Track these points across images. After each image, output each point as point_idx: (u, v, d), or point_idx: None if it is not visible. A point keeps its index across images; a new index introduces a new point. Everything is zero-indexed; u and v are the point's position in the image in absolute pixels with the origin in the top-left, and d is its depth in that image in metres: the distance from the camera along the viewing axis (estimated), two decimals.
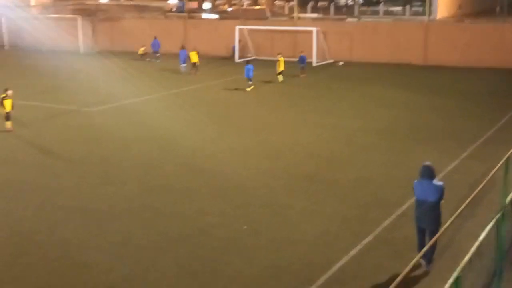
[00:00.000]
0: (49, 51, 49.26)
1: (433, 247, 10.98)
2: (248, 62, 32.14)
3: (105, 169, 18.03)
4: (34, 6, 65.89)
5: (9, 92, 22.10)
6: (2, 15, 54.85)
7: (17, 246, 12.62)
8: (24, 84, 33.56)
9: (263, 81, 34.13)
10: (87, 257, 12.03)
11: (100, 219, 14.06)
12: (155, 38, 45.11)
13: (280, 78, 34.05)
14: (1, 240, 12.91)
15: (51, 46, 49.84)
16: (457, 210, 8.71)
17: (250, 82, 31.33)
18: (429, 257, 11.18)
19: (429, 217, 11.17)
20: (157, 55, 44.48)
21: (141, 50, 45.40)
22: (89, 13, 54.71)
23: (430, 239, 10.94)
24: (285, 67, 34.14)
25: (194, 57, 37.56)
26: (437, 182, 11.25)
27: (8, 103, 21.88)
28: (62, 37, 50.52)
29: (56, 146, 20.71)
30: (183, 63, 38.95)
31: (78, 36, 50.48)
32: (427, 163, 11.54)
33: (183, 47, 41.16)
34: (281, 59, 34.06)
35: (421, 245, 11.24)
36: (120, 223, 13.79)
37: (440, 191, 11.14)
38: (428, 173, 11.26)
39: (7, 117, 22.27)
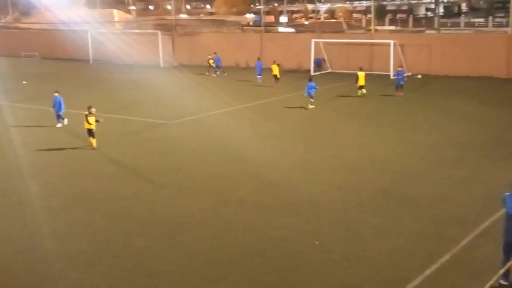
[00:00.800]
0: (131, 65, 50.90)
1: None
2: (310, 79, 30.92)
3: (180, 181, 18.36)
4: (117, 22, 68.42)
5: (93, 110, 22.60)
6: (88, 30, 57.23)
7: (94, 254, 13.01)
8: (105, 98, 34.86)
9: (338, 95, 33.90)
10: (160, 268, 12.25)
11: (173, 230, 14.31)
12: (215, 54, 46.09)
13: (360, 92, 33.38)
14: (80, 248, 13.35)
15: (133, 61, 51.46)
16: None
17: (312, 100, 30.13)
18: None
19: None
20: (221, 69, 45.37)
21: (211, 61, 46.11)
22: (169, 28, 56.20)
23: None
24: (365, 80, 33.61)
25: (275, 70, 37.88)
26: None
27: (92, 120, 22.37)
28: (143, 52, 52.19)
29: (134, 159, 21.28)
30: (259, 75, 39.81)
31: (159, 51, 51.86)
32: None
33: (259, 59, 41.89)
34: (362, 74, 33.39)
35: (506, 261, 10.83)
36: (193, 235, 13.97)
37: None
38: None
39: (92, 133, 22.61)
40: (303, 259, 12.56)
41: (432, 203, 15.85)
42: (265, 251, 12.96)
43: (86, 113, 22.48)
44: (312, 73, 44.06)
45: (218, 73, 45.25)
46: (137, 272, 12.10)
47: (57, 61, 57.43)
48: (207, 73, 45.07)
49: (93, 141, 22.54)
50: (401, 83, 33.64)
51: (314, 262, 12.44)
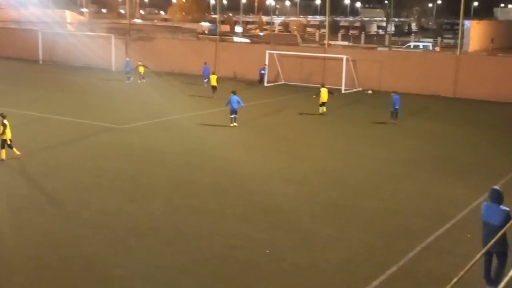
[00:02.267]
0: (81, 68, 50.15)
1: (501, 270, 11.10)
2: (233, 92, 27.78)
3: (131, 187, 18.18)
4: (70, 23, 67.29)
5: (5, 121, 20.46)
6: (38, 30, 56.10)
7: (41, 259, 12.74)
8: (57, 99, 34.20)
9: (290, 107, 34.25)
10: (110, 273, 12.10)
11: (124, 236, 14.16)
12: (205, 63, 43.81)
13: (321, 109, 31.67)
14: (27, 253, 13.05)
15: (84, 63, 50.70)
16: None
17: (236, 116, 27.49)
18: (495, 280, 11.17)
19: (492, 239, 11.16)
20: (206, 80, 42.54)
21: (141, 69, 43.60)
22: (123, 32, 55.64)
23: (497, 261, 11.20)
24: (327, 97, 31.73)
25: (213, 81, 36.88)
26: (504, 207, 11.24)
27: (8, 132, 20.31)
28: (96, 55, 51.47)
29: (86, 162, 20.96)
30: (206, 79, 40.23)
31: (111, 54, 51.28)
32: (496, 187, 11.70)
33: (205, 63, 42.62)
34: (324, 90, 31.56)
35: (487, 268, 11.33)
36: (144, 241, 13.86)
37: (505, 216, 11.08)
38: (496, 197, 11.36)
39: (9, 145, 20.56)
40: (254, 268, 12.64)
41: (381, 216, 16.19)
42: (216, 259, 12.97)
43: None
44: (265, 84, 44.36)
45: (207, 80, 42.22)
46: (86, 277, 11.92)
47: (3, 60, 55.97)
48: (139, 81, 43.11)
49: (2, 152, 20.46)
50: (397, 107, 29.68)
51: (264, 270, 12.53)
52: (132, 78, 43.81)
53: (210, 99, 35.68)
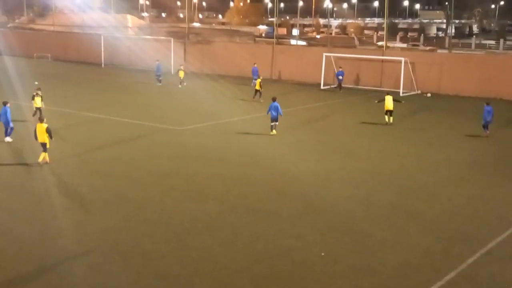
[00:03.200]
0: (142, 71, 51.24)
1: None
2: (273, 99, 26.50)
3: (189, 186, 18.47)
4: (130, 27, 68.86)
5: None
6: (101, 34, 57.66)
7: (102, 255, 13.11)
8: (116, 101, 35.06)
9: (347, 108, 33.97)
10: (167, 270, 12.34)
11: (181, 234, 14.40)
12: (254, 64, 44.29)
13: (387, 119, 29.31)
14: (88, 249, 13.46)
15: (144, 66, 51.85)
16: None
17: (276, 124, 26.23)
18: None
19: None
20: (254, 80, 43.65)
21: (181, 73, 42.88)
22: (182, 35, 56.55)
23: None
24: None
25: (257, 85, 36.54)
26: None
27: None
28: (155, 58, 52.55)
29: (145, 161, 21.42)
30: (257, 78, 39.67)
31: (170, 57, 52.18)
32: None
33: (255, 64, 42.98)
34: (389, 97, 29.32)
35: None
36: (200, 240, 14.07)
37: None
38: None
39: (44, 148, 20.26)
40: (309, 269, 12.63)
41: (440, 219, 15.90)
42: (272, 259, 13.04)
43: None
44: (321, 87, 44.14)
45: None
46: (145, 273, 12.20)
47: (69, 63, 57.82)
48: (180, 86, 42.11)
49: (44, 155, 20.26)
50: (488, 119, 26.94)
51: (320, 272, 12.51)
52: (161, 81, 43.17)
53: (259, 103, 35.19)
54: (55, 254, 13.07)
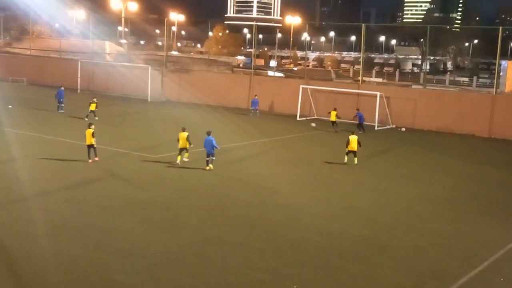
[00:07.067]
0: (118, 97, 50.99)
1: None
2: (208, 133, 25.17)
3: (162, 215, 18.25)
4: (108, 53, 68.73)
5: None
6: (78, 60, 57.39)
7: (70, 285, 12.80)
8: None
9: (328, 137, 34.07)
10: None
11: (152, 265, 14.17)
12: (255, 96, 45.97)
13: (346, 159, 27.66)
14: (55, 278, 13.14)
15: (121, 93, 51.58)
16: None
17: (213, 158, 25.07)
18: None
19: None
20: (257, 111, 44.77)
21: (92, 106, 38.29)
22: (160, 63, 56.58)
23: None
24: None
25: (333, 116, 38.60)
26: None
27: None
28: (132, 85, 52.45)
29: (119, 190, 21.16)
30: (255, 108, 41.51)
31: (147, 85, 52.08)
32: None
33: (255, 96, 44.61)
34: (354, 137, 27.46)
35: None
36: (171, 272, 13.84)
37: None
38: None
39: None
40: None
41: (412, 255, 15.90)
42: None
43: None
44: (297, 118, 44.34)
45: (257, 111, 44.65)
46: None
47: (44, 88, 57.29)
48: (86, 119, 36.01)
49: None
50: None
51: None
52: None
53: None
54: (20, 283, 12.71)
